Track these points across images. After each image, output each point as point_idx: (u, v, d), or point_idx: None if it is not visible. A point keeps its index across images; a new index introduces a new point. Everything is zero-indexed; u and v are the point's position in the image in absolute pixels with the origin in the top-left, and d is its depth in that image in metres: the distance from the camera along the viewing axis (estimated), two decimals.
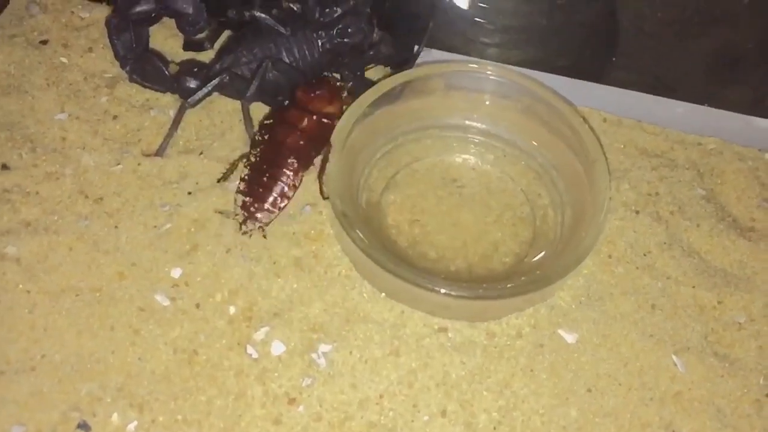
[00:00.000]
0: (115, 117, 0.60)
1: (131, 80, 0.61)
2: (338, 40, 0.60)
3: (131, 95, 0.61)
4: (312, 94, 0.58)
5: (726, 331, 0.53)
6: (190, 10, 0.59)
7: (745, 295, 0.55)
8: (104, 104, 0.61)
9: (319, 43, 0.60)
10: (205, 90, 0.58)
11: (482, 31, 0.68)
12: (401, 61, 0.62)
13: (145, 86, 0.61)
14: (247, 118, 0.59)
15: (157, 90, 0.61)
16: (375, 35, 0.60)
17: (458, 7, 0.68)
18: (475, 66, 0.61)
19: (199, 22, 0.60)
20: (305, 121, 0.56)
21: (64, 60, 0.63)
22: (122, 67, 0.61)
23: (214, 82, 0.58)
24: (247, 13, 0.59)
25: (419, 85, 0.60)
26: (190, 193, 0.56)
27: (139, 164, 0.57)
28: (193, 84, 0.59)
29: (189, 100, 0.58)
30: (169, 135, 0.58)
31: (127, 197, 0.56)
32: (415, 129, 0.62)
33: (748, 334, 0.53)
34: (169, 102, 0.61)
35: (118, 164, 0.57)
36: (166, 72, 0.60)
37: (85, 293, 0.51)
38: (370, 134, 0.59)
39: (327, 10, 0.59)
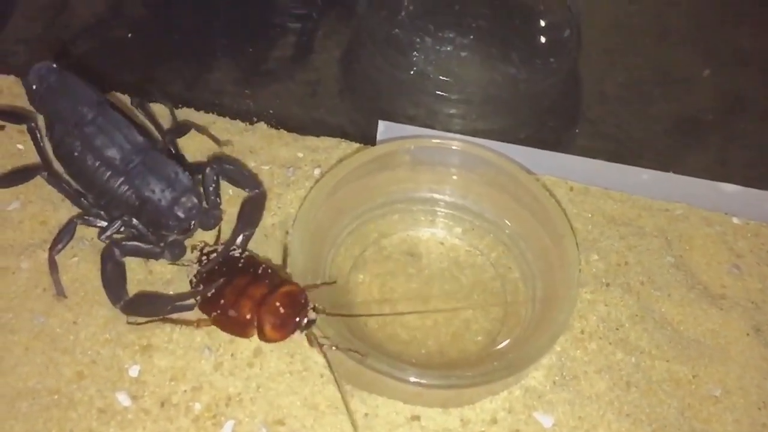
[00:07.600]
0: None
1: None
2: None
3: None
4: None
5: (702, 406, 0.53)
6: None
7: (719, 367, 0.54)
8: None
9: None
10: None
11: (446, 103, 0.68)
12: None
13: None
14: None
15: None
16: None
17: (421, 80, 0.68)
18: (441, 140, 0.61)
19: None
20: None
21: (20, 147, 0.62)
22: None
23: None
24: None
25: (385, 161, 0.60)
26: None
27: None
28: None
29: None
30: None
31: (87, 289, 0.54)
32: (381, 204, 0.61)
33: (725, 407, 0.53)
34: None
35: (75, 257, 0.55)
36: None
37: (42, 396, 0.49)
38: (335, 213, 0.58)
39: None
